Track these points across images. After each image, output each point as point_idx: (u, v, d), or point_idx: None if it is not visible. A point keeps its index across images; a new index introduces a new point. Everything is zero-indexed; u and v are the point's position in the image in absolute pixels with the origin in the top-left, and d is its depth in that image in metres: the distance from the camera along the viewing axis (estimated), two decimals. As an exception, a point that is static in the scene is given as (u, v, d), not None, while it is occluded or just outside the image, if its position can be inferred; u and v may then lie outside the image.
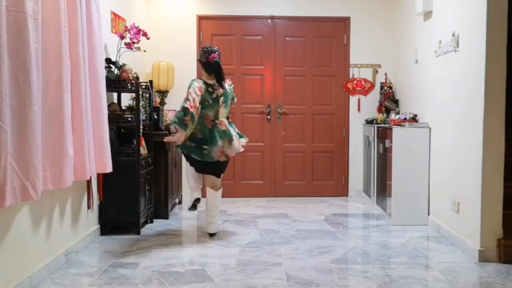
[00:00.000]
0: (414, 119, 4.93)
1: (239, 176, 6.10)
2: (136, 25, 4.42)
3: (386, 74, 5.99)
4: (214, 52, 4.15)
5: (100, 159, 3.74)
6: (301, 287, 3.06)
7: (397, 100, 5.76)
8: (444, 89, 4.30)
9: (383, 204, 5.00)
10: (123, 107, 4.48)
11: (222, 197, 4.40)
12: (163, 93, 5.65)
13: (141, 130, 4.33)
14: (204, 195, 4.42)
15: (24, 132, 2.71)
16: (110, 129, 4.25)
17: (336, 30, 6.10)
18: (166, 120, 5.14)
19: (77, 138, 3.37)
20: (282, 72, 6.10)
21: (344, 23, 6.08)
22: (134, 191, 4.22)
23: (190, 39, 6.01)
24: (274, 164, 6.14)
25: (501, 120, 3.57)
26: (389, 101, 5.77)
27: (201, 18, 6.03)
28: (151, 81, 4.78)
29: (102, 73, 3.79)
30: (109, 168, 3.85)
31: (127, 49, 4.40)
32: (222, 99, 4.15)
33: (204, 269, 3.38)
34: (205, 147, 4.06)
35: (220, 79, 4.13)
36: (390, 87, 5.87)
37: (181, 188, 5.69)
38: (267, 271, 3.35)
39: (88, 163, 3.50)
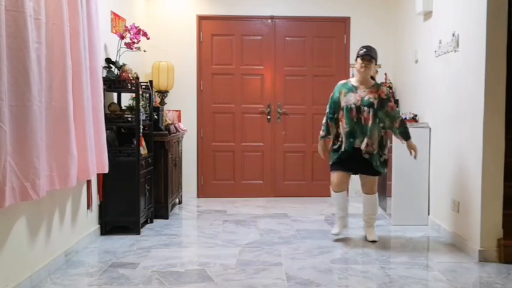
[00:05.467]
0: (414, 119, 4.93)
1: (239, 176, 6.09)
2: (136, 25, 4.43)
3: (386, 74, 5.98)
4: None
5: (98, 159, 3.74)
6: (301, 287, 3.06)
7: (397, 100, 5.76)
8: (445, 89, 4.30)
9: (383, 204, 5.00)
10: (123, 107, 4.48)
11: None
12: (163, 93, 5.66)
13: (141, 130, 4.32)
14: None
15: (24, 132, 2.70)
16: (110, 129, 4.26)
17: (336, 30, 6.10)
18: (166, 120, 5.14)
19: (80, 138, 3.38)
20: (282, 72, 6.10)
21: (344, 23, 6.08)
22: (134, 191, 4.21)
23: (190, 39, 6.01)
24: (274, 164, 6.14)
25: (501, 120, 3.57)
26: (389, 101, 5.76)
27: (201, 18, 6.03)
28: (151, 81, 4.78)
29: (100, 73, 3.79)
30: (106, 169, 3.85)
31: (127, 49, 4.40)
32: None
33: (204, 269, 3.38)
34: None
35: None
36: (390, 87, 5.86)
37: (181, 188, 5.69)
38: (267, 271, 3.35)
39: (90, 163, 3.51)
